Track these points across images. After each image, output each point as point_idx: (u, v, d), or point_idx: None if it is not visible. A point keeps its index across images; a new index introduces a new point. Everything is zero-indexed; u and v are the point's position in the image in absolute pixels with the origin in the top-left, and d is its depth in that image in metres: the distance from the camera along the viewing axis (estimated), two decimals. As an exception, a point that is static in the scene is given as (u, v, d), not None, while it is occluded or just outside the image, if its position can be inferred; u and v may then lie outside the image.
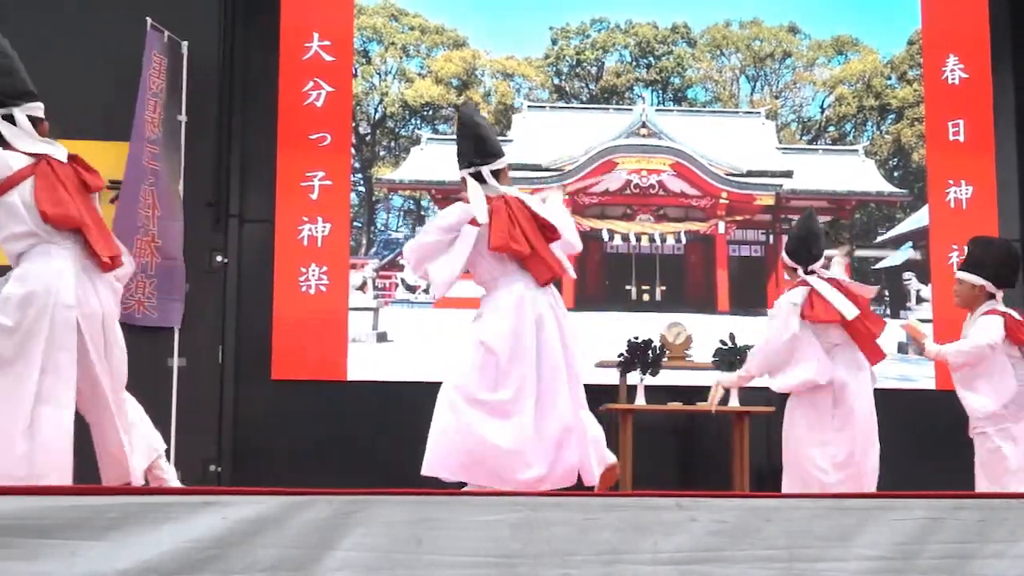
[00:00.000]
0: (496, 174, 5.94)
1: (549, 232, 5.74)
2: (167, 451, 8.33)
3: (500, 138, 10.02)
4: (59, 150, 5.16)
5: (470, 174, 5.95)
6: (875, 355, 7.05)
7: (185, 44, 9.05)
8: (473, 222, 5.71)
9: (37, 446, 4.83)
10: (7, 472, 4.76)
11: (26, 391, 4.84)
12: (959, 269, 7.33)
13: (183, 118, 9.04)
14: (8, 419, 4.83)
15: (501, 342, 5.61)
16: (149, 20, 8.61)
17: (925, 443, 9.03)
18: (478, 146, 5.98)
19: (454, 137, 10.13)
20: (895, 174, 10.36)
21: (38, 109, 5.24)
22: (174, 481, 5.71)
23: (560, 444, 5.57)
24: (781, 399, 9.38)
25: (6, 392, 4.87)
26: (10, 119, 5.09)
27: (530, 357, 5.61)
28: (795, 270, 7.08)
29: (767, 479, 9.26)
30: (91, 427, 5.19)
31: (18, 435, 4.81)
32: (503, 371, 5.60)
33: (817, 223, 7.22)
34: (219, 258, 9.35)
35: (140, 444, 5.31)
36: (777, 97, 10.47)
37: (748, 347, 9.13)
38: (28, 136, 5.09)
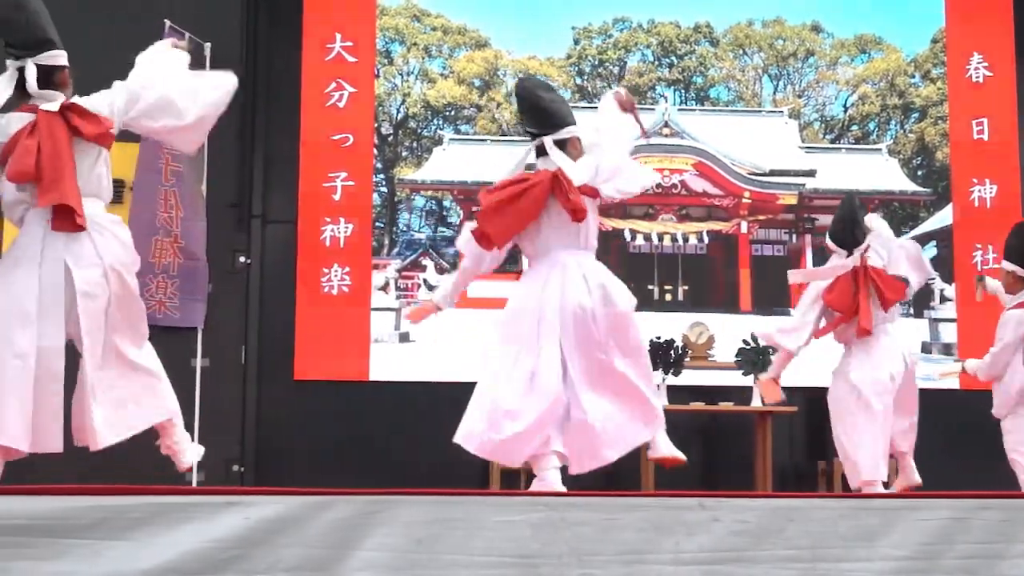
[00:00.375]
0: (562, 144, 5.58)
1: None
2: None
3: (522, 138, 10.09)
4: (55, 101, 4.95)
5: (536, 147, 5.65)
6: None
7: (208, 46, 9.06)
8: None
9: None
10: None
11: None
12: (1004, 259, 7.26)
13: (205, 119, 9.05)
14: None
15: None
16: (167, 22, 8.62)
17: (949, 443, 8.99)
18: (535, 116, 5.65)
19: (476, 137, 10.25)
20: (919, 173, 10.31)
21: (54, 57, 5.05)
22: (191, 451, 5.58)
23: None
24: (806, 399, 9.38)
25: None
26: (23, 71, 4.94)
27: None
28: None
29: (790, 479, 9.25)
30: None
31: None
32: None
33: (859, 207, 7.22)
34: (242, 259, 9.37)
35: (150, 401, 5.21)
36: (800, 96, 10.43)
37: (771, 347, 9.12)
38: (32, 89, 4.93)
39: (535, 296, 5.53)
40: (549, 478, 5.37)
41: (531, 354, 5.46)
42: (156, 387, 5.19)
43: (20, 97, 4.96)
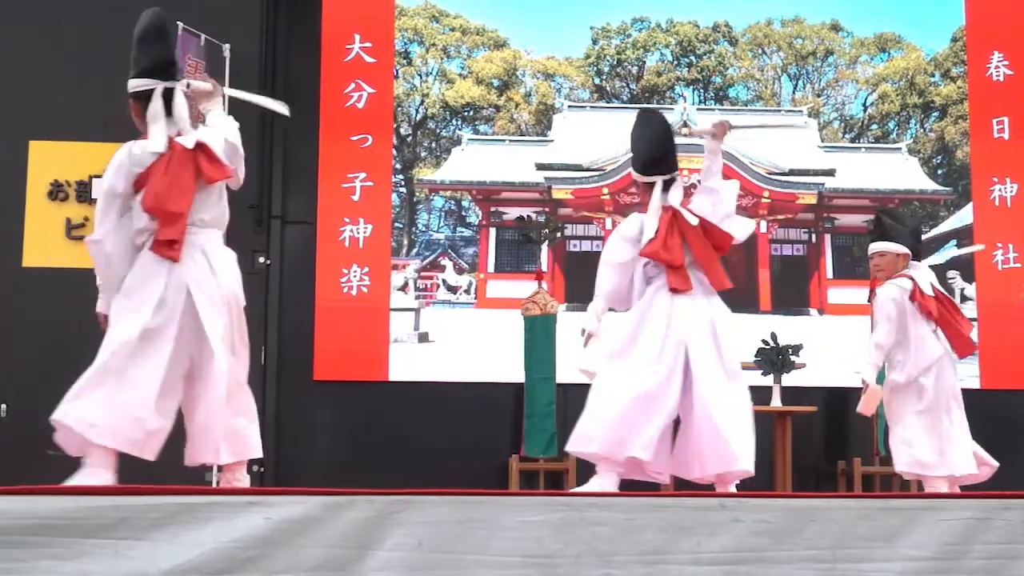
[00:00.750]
0: (672, 182, 5.86)
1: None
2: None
3: (540, 138, 10.11)
4: (189, 136, 5.05)
5: (653, 183, 5.80)
6: None
7: (227, 47, 9.09)
8: None
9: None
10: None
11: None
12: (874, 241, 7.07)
13: (226, 120, 9.07)
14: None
15: None
16: (180, 24, 8.65)
17: (970, 443, 8.95)
18: (667, 154, 5.90)
19: (495, 138, 10.25)
20: (939, 172, 10.28)
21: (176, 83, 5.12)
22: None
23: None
24: (826, 399, 9.36)
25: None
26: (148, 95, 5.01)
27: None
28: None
29: (809, 479, 9.23)
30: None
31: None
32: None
33: None
34: (261, 259, 9.39)
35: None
36: (819, 95, 10.41)
37: (791, 347, 9.10)
38: (182, 114, 5.04)
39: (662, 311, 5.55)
40: (607, 482, 5.34)
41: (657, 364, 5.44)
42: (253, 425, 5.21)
43: (142, 116, 5.03)
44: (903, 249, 6.82)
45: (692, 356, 5.44)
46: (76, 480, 4.68)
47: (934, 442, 6.59)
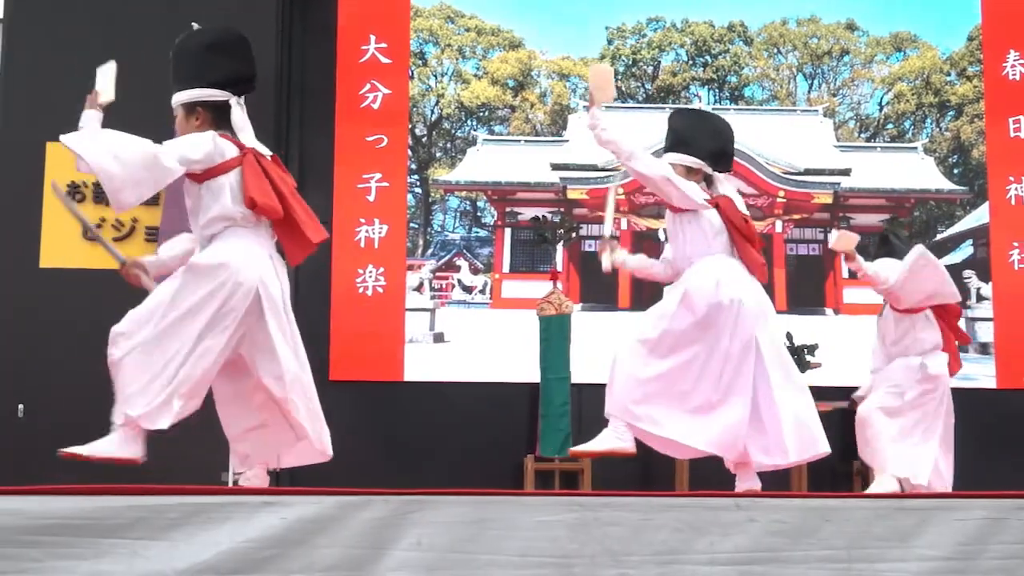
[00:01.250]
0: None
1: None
2: (225, 451, 8.44)
3: (555, 139, 10.12)
4: (264, 148, 5.20)
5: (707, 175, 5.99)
6: None
7: (242, 48, 9.10)
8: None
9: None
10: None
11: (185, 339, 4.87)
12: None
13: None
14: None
15: None
16: (195, 25, 8.66)
17: (986, 442, 8.94)
18: (727, 151, 6.10)
19: (510, 138, 10.25)
20: (955, 171, 10.25)
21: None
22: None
23: None
24: (842, 398, 9.35)
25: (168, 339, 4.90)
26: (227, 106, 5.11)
27: None
28: None
29: (825, 479, 9.21)
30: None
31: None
32: None
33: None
34: (279, 259, 9.41)
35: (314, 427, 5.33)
36: (835, 95, 10.39)
37: (807, 346, 9.08)
38: (242, 127, 5.12)
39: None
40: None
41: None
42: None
43: (215, 126, 5.09)
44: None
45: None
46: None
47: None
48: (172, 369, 4.84)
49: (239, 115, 5.12)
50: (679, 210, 5.88)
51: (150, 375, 4.83)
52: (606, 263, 6.19)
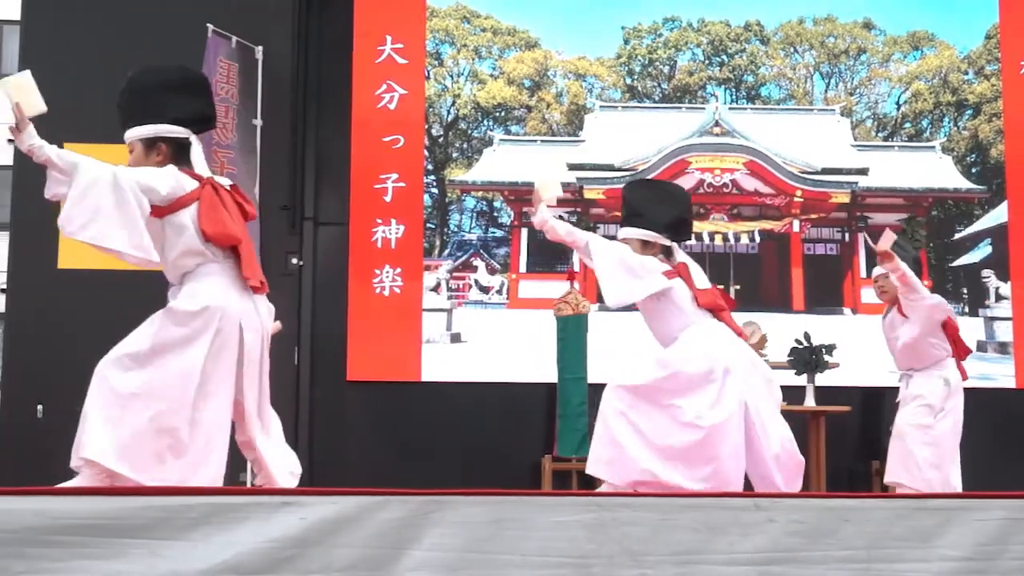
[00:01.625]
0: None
1: None
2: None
3: (572, 139, 10.12)
4: (223, 178, 5.29)
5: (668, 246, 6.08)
6: None
7: (260, 49, 9.13)
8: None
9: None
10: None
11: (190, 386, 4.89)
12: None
13: (258, 122, 9.13)
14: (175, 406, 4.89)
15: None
16: (210, 27, 8.68)
17: (1005, 442, 8.92)
18: (686, 221, 6.24)
19: (526, 138, 10.25)
20: (973, 170, 10.22)
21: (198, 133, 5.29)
22: None
23: None
24: (860, 398, 9.33)
25: (171, 382, 4.90)
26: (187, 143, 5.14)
27: None
28: None
29: (843, 479, 9.19)
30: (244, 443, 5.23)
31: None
32: None
33: None
34: (294, 260, 9.43)
35: (280, 464, 5.32)
36: (852, 94, 10.36)
37: (824, 346, 9.07)
38: (200, 160, 5.16)
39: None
40: None
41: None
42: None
43: (175, 161, 5.09)
44: None
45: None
46: None
47: None
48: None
49: (197, 152, 5.15)
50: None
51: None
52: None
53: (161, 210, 4.94)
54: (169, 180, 4.93)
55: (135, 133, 5.09)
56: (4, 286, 10.16)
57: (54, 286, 8.85)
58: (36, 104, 4.95)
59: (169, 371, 4.87)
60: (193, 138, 5.14)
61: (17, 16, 9.48)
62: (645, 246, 5.97)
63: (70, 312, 8.77)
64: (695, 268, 6.03)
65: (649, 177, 6.49)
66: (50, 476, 7.26)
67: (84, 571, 3.53)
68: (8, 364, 9.09)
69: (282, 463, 5.22)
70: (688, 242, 9.92)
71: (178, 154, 5.08)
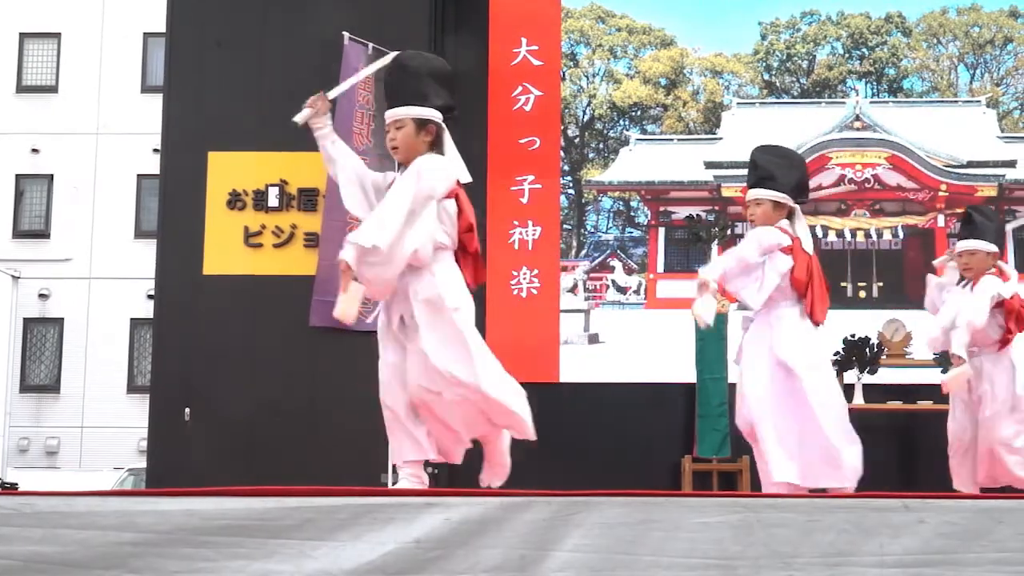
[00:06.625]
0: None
1: None
2: (385, 452, 8.55)
3: (709, 136, 10.04)
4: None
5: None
6: None
7: (396, 55, 9.20)
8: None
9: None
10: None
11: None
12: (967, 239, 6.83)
13: (395, 126, 9.21)
14: None
15: None
16: (346, 35, 8.79)
17: None
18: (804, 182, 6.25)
19: (663, 137, 10.20)
20: None
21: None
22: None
23: None
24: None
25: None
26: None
27: None
28: None
29: (995, 480, 8.97)
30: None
31: None
32: None
33: None
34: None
35: None
36: (998, 84, 10.11)
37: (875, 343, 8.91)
38: (452, 149, 5.41)
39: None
40: None
41: None
42: None
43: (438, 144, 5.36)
44: (994, 248, 6.76)
45: None
46: None
47: None
48: None
49: (450, 141, 5.39)
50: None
51: None
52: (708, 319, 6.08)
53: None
54: (447, 180, 5.24)
55: (411, 112, 5.31)
56: (152, 293, 10.43)
57: (199, 292, 9.04)
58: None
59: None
60: (445, 127, 5.39)
61: (163, 28, 9.69)
62: (776, 207, 6.02)
63: (215, 317, 8.96)
64: (807, 240, 6.08)
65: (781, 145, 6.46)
66: (197, 477, 7.44)
67: (236, 571, 3.60)
68: (157, 369, 9.32)
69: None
70: (831, 239, 9.83)
71: (439, 138, 5.34)
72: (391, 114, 5.31)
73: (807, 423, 5.77)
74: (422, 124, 5.29)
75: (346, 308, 5.00)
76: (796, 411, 5.80)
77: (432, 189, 5.12)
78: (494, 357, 5.31)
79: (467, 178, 5.38)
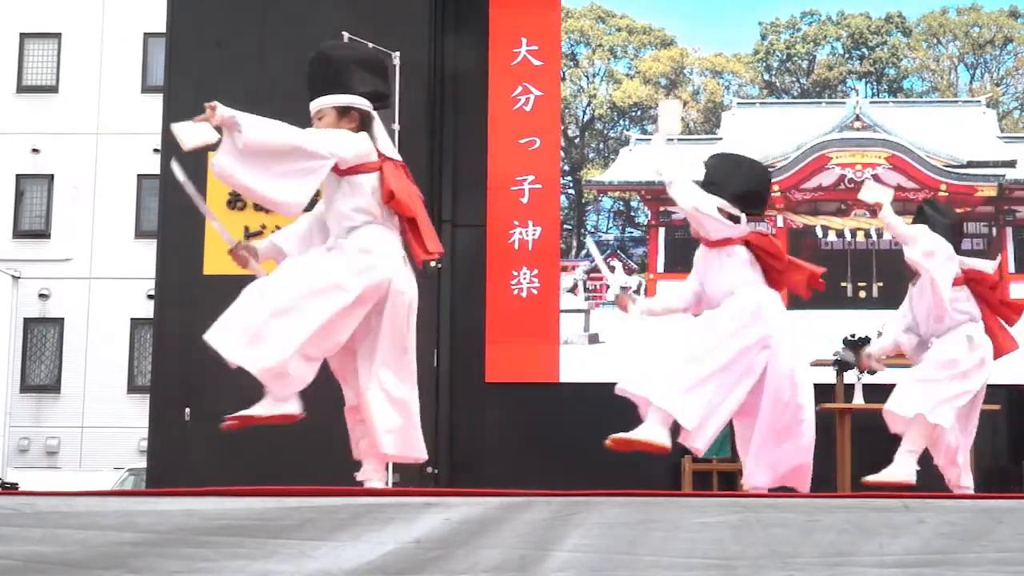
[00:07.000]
0: None
1: None
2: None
3: (709, 136, 10.03)
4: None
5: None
6: None
7: (396, 55, 9.22)
8: None
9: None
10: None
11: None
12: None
13: (396, 127, 9.22)
14: None
15: None
16: (345, 34, 8.79)
17: None
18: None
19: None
20: None
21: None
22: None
23: None
24: (1006, 397, 9.10)
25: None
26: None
27: None
28: None
29: (994, 479, 8.98)
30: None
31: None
32: None
33: None
34: (433, 263, 9.50)
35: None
36: (998, 84, 10.11)
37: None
38: (381, 138, 5.34)
39: None
40: None
41: None
42: None
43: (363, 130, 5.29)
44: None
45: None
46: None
47: None
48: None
49: (379, 127, 5.33)
50: (714, 243, 5.96)
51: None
52: (633, 315, 6.28)
53: (343, 171, 5.13)
54: (358, 145, 5.15)
55: (331, 100, 5.27)
56: (152, 293, 10.43)
57: (200, 292, 9.03)
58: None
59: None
60: (375, 114, 5.32)
61: (163, 28, 9.70)
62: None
63: (215, 317, 8.91)
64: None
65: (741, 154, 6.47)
66: (197, 477, 7.44)
67: (236, 571, 3.61)
68: (157, 369, 9.32)
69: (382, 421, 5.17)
70: (831, 239, 9.82)
71: (364, 125, 5.27)
72: (312, 106, 5.28)
73: None
74: (343, 111, 5.24)
75: (185, 131, 5.02)
76: None
77: (331, 145, 5.06)
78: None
79: (393, 155, 5.31)
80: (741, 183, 6.02)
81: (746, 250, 5.93)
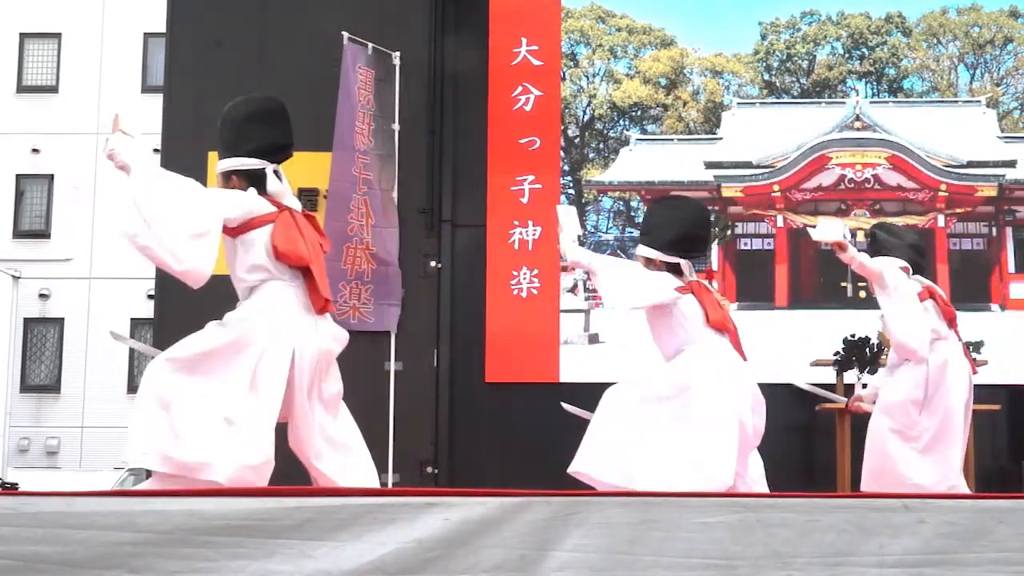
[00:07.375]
0: None
1: None
2: (385, 452, 8.56)
3: (709, 136, 10.03)
4: (299, 206, 5.41)
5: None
6: None
7: (396, 55, 9.22)
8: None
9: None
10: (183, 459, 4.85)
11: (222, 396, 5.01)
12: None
13: (396, 127, 9.22)
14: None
15: None
16: (345, 35, 8.79)
17: None
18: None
19: (663, 137, 10.20)
20: None
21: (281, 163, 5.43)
22: None
23: None
24: (1006, 397, 9.10)
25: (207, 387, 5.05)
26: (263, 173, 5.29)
27: None
28: None
29: (994, 479, 8.99)
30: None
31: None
32: None
33: None
34: (433, 263, 9.51)
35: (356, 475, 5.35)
36: (998, 84, 10.12)
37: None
38: (280, 192, 5.29)
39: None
40: None
41: None
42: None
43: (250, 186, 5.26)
44: (902, 263, 6.73)
45: None
46: None
47: None
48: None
49: (275, 182, 5.26)
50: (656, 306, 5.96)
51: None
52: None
53: (234, 230, 5.13)
54: (242, 203, 5.11)
55: (217, 167, 5.31)
56: (152, 293, 10.43)
57: (200, 292, 9.01)
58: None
59: (214, 378, 5.05)
60: (271, 168, 5.25)
61: (163, 28, 9.70)
62: (648, 264, 5.98)
63: (215, 317, 8.92)
64: (710, 289, 6.10)
65: (681, 196, 6.52)
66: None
67: (236, 571, 3.61)
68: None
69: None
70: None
71: (254, 185, 5.22)
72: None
73: None
74: (226, 177, 5.26)
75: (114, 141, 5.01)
76: None
77: (223, 205, 5.05)
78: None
79: (291, 204, 5.26)
80: (675, 229, 5.96)
81: (693, 300, 5.93)
